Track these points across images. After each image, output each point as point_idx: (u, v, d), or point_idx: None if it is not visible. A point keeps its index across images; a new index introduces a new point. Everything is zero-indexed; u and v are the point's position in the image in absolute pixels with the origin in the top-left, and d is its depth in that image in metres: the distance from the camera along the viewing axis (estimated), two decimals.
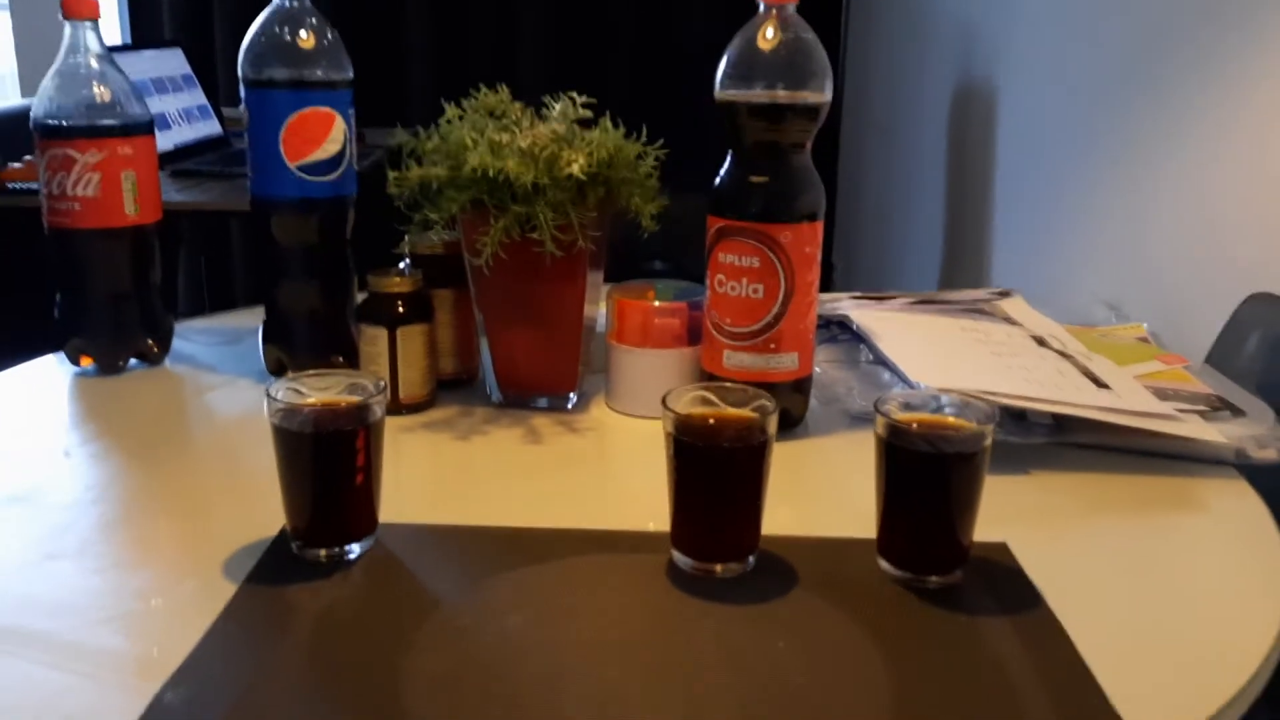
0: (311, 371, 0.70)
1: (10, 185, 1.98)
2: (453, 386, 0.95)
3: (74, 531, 0.71)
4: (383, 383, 0.68)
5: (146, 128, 0.97)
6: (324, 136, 0.90)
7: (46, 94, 0.94)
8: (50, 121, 0.93)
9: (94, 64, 0.95)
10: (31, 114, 0.94)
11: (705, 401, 0.69)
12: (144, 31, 2.89)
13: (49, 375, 0.99)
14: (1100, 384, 0.88)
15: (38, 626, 0.60)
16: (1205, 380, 0.94)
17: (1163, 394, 0.89)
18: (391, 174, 0.87)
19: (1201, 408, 0.87)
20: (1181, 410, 0.85)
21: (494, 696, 0.54)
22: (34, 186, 1.92)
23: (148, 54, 2.35)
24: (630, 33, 2.88)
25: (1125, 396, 0.86)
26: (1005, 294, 1.12)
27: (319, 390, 0.68)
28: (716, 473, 0.66)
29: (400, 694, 0.54)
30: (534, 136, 0.84)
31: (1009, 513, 0.74)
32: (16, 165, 2.02)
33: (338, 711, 0.53)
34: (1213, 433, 0.82)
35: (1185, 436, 0.82)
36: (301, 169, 0.90)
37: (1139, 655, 0.60)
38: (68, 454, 0.84)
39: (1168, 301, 1.22)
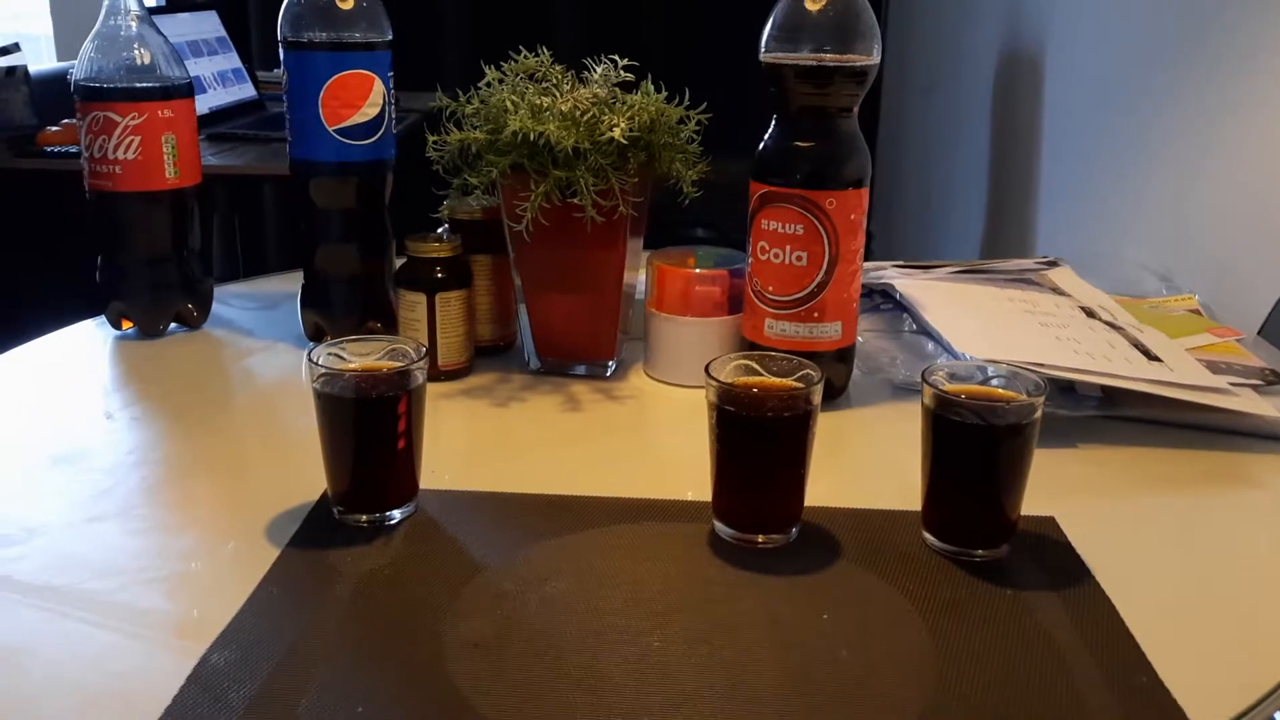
0: (352, 337, 0.69)
1: (49, 149, 2.00)
2: (490, 353, 0.95)
3: (117, 494, 0.72)
4: (424, 349, 0.67)
5: (186, 90, 0.97)
6: (363, 100, 0.89)
7: (87, 56, 0.93)
8: (91, 84, 0.93)
9: (134, 26, 0.94)
10: (73, 76, 0.94)
11: (749, 370, 0.68)
12: None
13: (90, 339, 0.99)
14: (1151, 356, 0.86)
15: (83, 586, 0.61)
16: (1259, 353, 0.92)
17: (1215, 367, 0.87)
18: (431, 138, 0.86)
19: (1255, 381, 0.85)
20: (1234, 384, 0.84)
21: (535, 661, 0.54)
22: (72, 150, 1.94)
23: (183, 16, 2.35)
24: None
25: (1177, 369, 0.84)
26: (1053, 263, 1.10)
27: (360, 356, 0.68)
28: (760, 443, 0.65)
29: (442, 658, 0.54)
30: (575, 100, 0.83)
31: (1057, 486, 0.73)
32: (54, 129, 2.03)
33: (380, 675, 0.53)
34: (1266, 407, 0.81)
35: (1238, 411, 0.80)
36: (340, 132, 0.89)
37: (1189, 633, 0.59)
38: (109, 417, 0.84)
39: (1220, 272, 1.19)
